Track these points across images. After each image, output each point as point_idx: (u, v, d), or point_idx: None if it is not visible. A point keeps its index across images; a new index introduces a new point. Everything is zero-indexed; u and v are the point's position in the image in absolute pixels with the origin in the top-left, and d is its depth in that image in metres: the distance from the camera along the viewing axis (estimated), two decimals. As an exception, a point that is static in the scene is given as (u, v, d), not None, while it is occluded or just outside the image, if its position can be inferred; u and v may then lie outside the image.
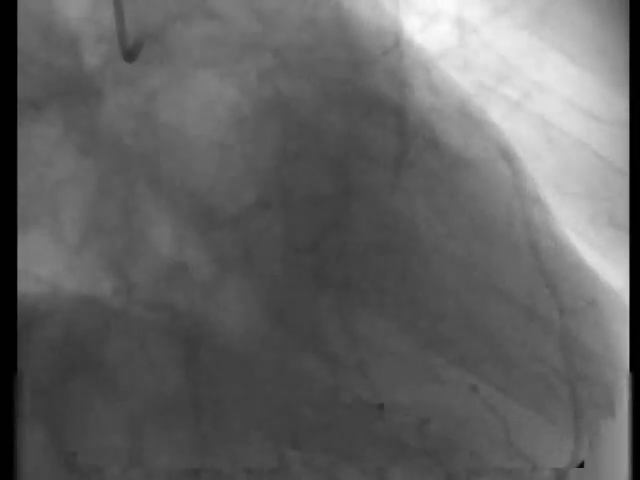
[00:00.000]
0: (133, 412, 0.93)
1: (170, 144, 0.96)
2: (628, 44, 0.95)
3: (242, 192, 0.95)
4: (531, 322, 0.95)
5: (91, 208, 0.94)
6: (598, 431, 0.93)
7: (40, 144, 0.95)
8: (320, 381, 0.94)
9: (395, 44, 0.97)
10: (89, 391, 0.93)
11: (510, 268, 0.96)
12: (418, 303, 0.95)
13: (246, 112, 0.96)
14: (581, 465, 0.93)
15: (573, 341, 0.95)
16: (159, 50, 0.96)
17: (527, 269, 0.96)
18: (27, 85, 0.96)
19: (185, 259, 0.94)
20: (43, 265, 0.94)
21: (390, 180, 0.96)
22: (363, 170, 0.95)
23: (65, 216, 0.95)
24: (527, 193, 0.97)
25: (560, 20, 0.98)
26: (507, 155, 0.97)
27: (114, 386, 0.93)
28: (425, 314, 0.95)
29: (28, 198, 0.95)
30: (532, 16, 0.98)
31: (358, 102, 0.97)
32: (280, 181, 0.95)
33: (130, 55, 0.90)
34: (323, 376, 0.94)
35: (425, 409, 0.94)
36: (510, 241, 0.96)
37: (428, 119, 0.97)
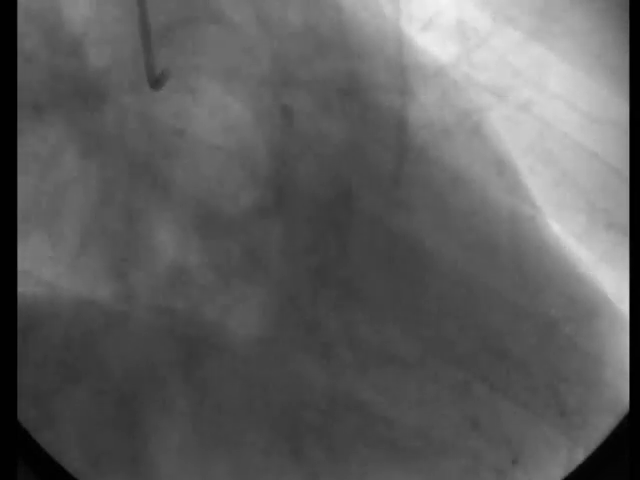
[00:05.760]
0: (134, 415, 0.93)
1: (173, 148, 0.96)
2: (628, 47, 0.95)
3: (243, 196, 0.96)
4: (533, 328, 0.96)
5: (92, 211, 0.94)
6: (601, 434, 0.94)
7: (42, 146, 0.95)
8: (320, 383, 0.94)
9: (396, 52, 0.97)
10: (89, 394, 0.93)
11: (510, 274, 0.96)
12: (418, 307, 0.95)
13: (248, 118, 0.96)
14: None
15: (573, 345, 0.96)
16: (165, 54, 0.96)
17: (527, 275, 0.96)
18: (30, 87, 0.96)
19: (186, 263, 0.94)
20: (43, 267, 0.94)
21: (389, 190, 0.96)
22: (362, 179, 0.96)
23: (66, 219, 0.94)
24: (528, 199, 0.97)
25: (560, 25, 0.98)
26: (507, 162, 0.97)
27: (115, 389, 0.93)
28: (425, 318, 0.95)
29: (29, 200, 0.94)
30: (532, 21, 0.98)
31: (357, 111, 0.97)
32: (279, 185, 0.96)
33: (157, 83, 0.89)
34: (323, 378, 0.94)
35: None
36: (510, 245, 0.97)
37: (428, 128, 0.97)
